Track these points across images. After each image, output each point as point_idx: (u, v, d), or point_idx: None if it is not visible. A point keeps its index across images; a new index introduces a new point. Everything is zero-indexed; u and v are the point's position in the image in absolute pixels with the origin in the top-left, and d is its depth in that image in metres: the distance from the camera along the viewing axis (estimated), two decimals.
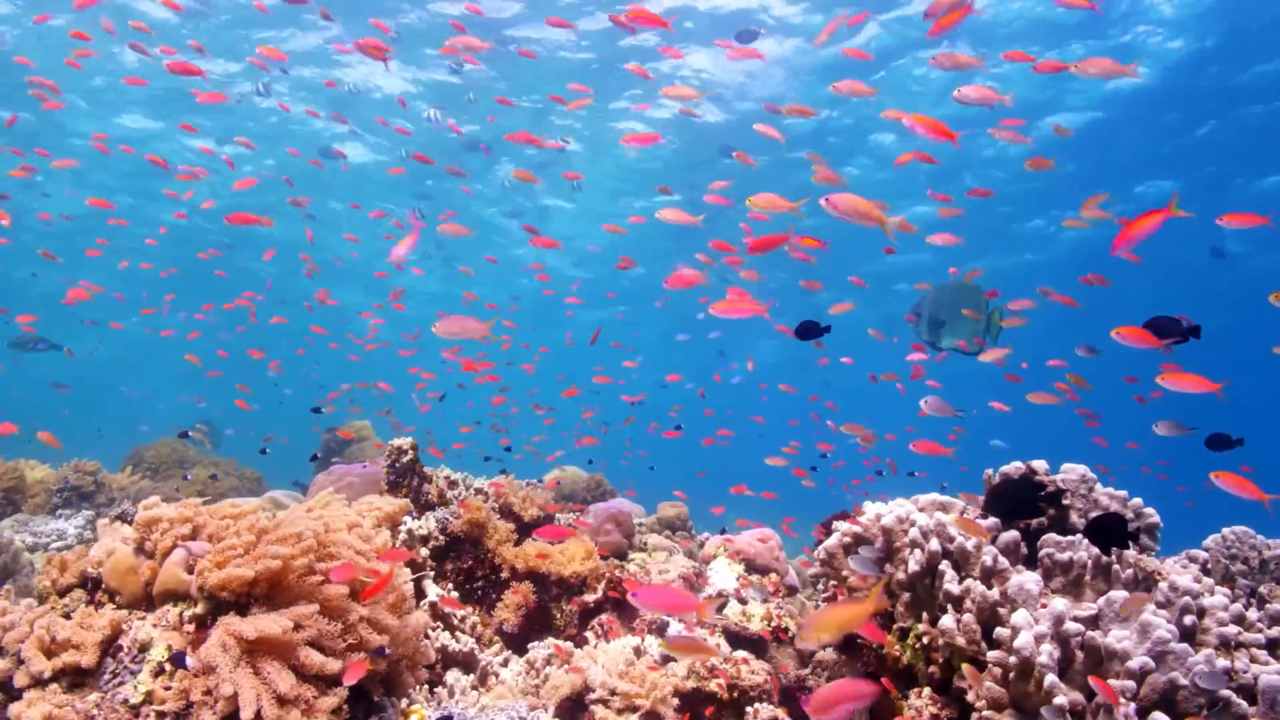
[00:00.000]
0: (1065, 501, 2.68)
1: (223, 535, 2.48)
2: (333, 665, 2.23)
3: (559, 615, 3.35)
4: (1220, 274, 14.29)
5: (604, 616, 3.31)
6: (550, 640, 3.14)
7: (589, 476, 5.55)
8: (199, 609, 2.33)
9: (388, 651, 2.43)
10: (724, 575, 3.55)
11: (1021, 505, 2.55)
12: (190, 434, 6.47)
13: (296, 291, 15.65)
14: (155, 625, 2.35)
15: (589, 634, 3.27)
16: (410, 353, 9.45)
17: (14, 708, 2.11)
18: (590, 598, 3.35)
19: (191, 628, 2.33)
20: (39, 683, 2.21)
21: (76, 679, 2.28)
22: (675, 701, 2.74)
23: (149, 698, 2.19)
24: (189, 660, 2.21)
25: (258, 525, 2.49)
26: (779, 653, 3.26)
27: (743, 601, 3.38)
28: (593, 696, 2.73)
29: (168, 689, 2.19)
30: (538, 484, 4.30)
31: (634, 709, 2.68)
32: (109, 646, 2.33)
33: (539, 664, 2.99)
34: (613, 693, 2.69)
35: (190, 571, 2.42)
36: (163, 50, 7.24)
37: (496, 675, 3.02)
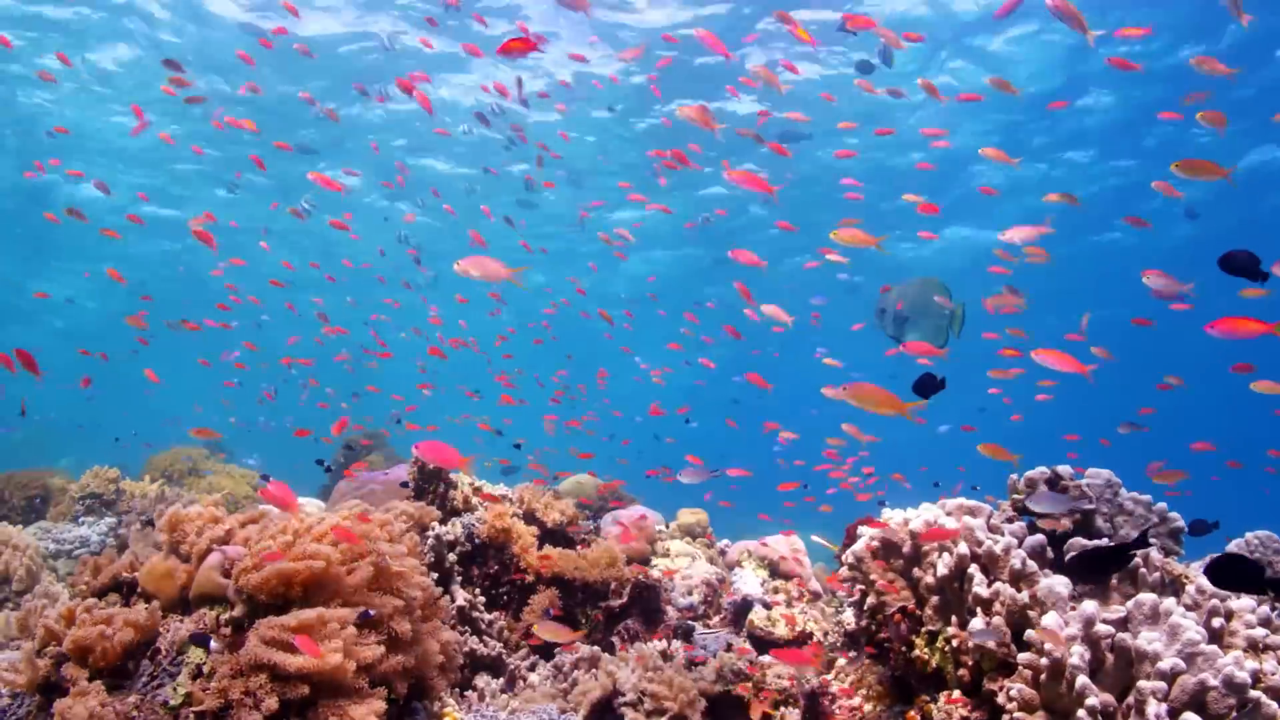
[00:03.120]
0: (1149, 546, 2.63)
1: (257, 538, 2.52)
2: (371, 652, 2.29)
3: (585, 620, 3.38)
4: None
5: (629, 621, 3.33)
6: (578, 644, 3.16)
7: (606, 484, 5.57)
8: (236, 612, 2.36)
9: (372, 613, 2.42)
10: (749, 580, 3.57)
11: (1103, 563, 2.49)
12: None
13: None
14: (194, 627, 2.38)
15: (615, 638, 3.29)
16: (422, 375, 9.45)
17: (60, 703, 2.14)
18: (615, 602, 3.38)
19: (229, 630, 2.36)
20: (84, 679, 2.24)
21: (115, 680, 2.31)
22: (703, 704, 2.76)
23: (188, 699, 2.22)
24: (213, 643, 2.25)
25: (291, 528, 2.53)
26: None
27: (767, 606, 3.40)
28: (622, 700, 2.75)
29: (206, 690, 2.21)
30: (557, 491, 4.33)
31: (663, 712, 2.70)
32: (147, 649, 2.36)
33: (567, 668, 3.01)
34: (642, 695, 2.71)
35: (226, 575, 2.45)
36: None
37: (524, 679, 3.05)
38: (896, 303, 4.74)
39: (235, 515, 2.72)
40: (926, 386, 3.14)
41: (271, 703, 2.12)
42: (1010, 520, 2.74)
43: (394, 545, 2.66)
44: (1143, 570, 2.50)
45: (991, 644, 2.35)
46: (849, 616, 2.97)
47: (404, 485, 3.71)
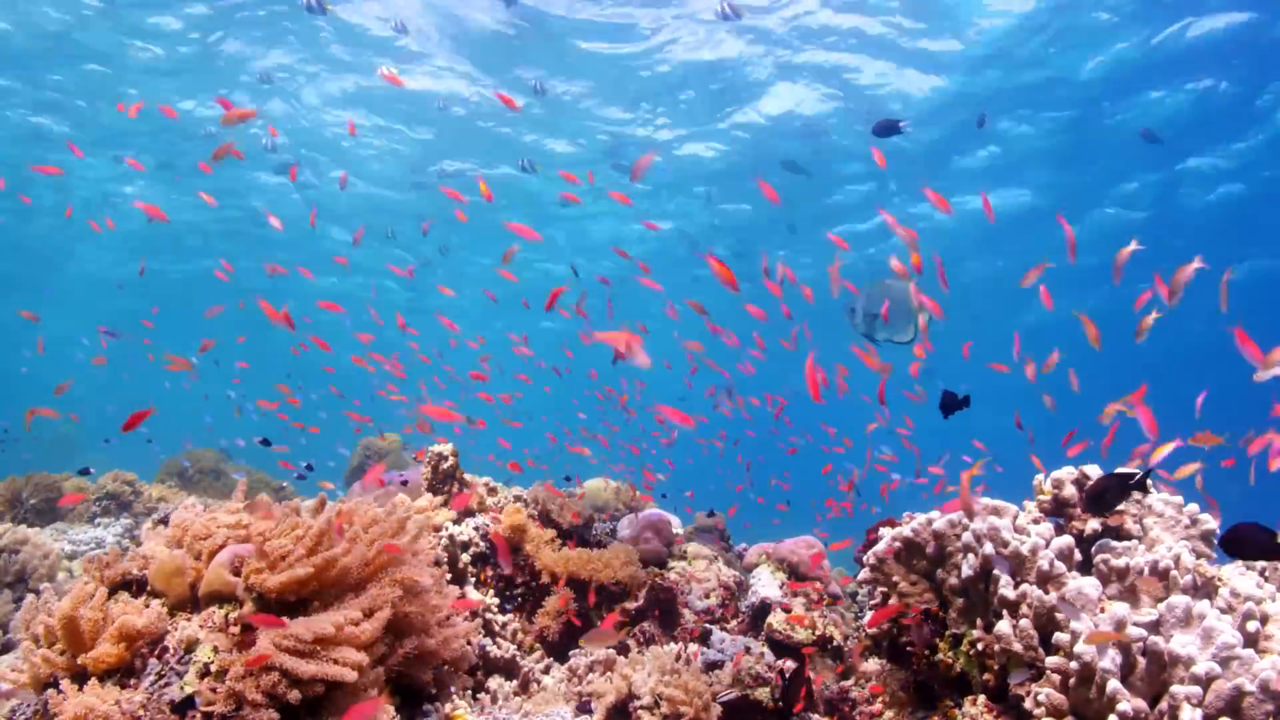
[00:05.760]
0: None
1: (268, 536, 2.48)
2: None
3: (600, 623, 3.32)
4: None
5: (646, 623, 3.27)
6: (592, 647, 3.11)
7: (619, 486, 5.51)
8: (246, 610, 2.32)
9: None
10: (767, 583, 3.50)
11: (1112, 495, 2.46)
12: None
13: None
14: (201, 626, 2.34)
15: (630, 641, 3.23)
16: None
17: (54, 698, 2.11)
18: (631, 605, 3.32)
19: (237, 630, 2.32)
20: (86, 677, 2.21)
21: (122, 678, 2.28)
22: (719, 709, 2.70)
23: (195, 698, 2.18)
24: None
25: (301, 525, 2.49)
26: (821, 662, 3.21)
27: (787, 610, 3.33)
28: (638, 704, 2.69)
29: (214, 690, 2.18)
30: (573, 493, 4.28)
31: (678, 716, 2.64)
32: (155, 646, 2.32)
33: (581, 671, 2.96)
34: (658, 699, 2.65)
35: (236, 573, 2.42)
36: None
37: (538, 682, 3.00)
38: (865, 301, 4.81)
39: (245, 512, 2.68)
40: (950, 405, 3.12)
41: (294, 695, 2.09)
42: (1037, 521, 2.66)
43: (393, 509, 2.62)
44: (1174, 573, 2.42)
45: (1018, 647, 2.28)
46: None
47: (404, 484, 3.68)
